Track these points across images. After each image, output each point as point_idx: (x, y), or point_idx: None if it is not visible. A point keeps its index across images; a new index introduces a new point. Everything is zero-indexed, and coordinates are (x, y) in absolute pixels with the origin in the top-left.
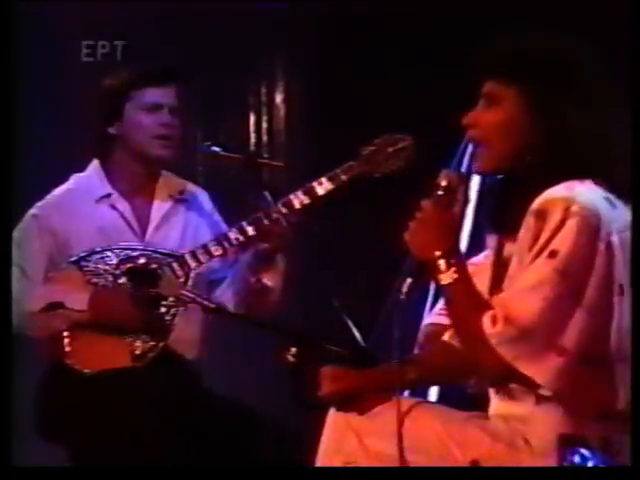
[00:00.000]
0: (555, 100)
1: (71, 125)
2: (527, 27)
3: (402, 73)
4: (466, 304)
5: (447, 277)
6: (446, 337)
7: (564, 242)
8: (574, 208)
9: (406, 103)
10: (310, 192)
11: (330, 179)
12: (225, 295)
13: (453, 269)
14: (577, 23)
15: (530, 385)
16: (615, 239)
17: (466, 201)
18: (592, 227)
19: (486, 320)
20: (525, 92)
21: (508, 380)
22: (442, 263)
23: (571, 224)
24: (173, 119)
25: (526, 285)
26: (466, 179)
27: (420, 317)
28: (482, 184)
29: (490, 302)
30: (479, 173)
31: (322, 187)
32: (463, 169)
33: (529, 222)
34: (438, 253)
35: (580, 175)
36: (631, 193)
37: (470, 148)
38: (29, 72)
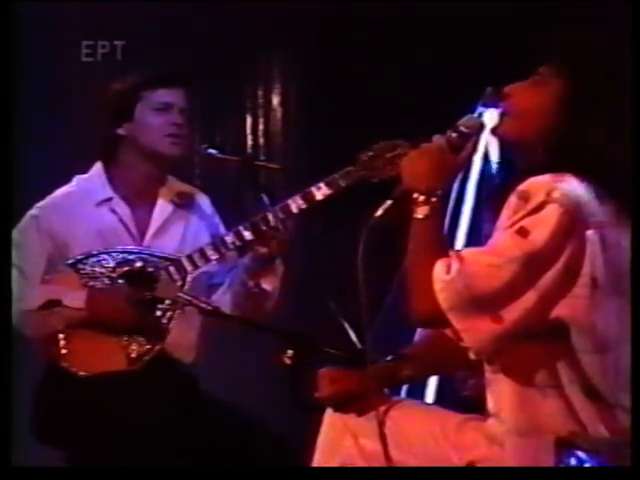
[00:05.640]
0: (593, 108)
1: (71, 125)
2: (527, 30)
3: (400, 76)
4: (426, 244)
5: (420, 212)
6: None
7: (538, 225)
8: (555, 194)
9: (404, 105)
10: (308, 197)
11: (328, 184)
12: (222, 299)
13: (429, 207)
14: (576, 23)
15: (455, 340)
16: (592, 233)
17: (474, 152)
18: (569, 215)
19: (440, 265)
20: (570, 88)
21: (434, 326)
22: (422, 197)
23: (550, 208)
24: (182, 119)
25: (489, 250)
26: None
27: None
28: (481, 174)
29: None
30: (498, 136)
31: (320, 192)
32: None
33: (511, 201)
34: (423, 187)
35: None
36: (631, 194)
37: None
38: (29, 72)
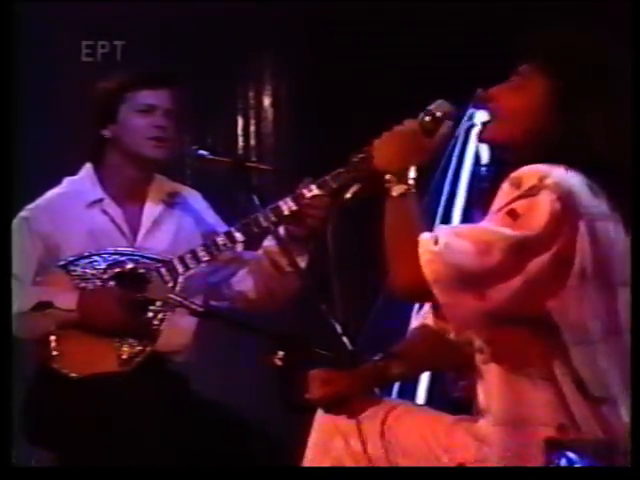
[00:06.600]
0: (580, 106)
1: (71, 125)
2: (524, 30)
3: (392, 77)
4: (404, 220)
5: (396, 190)
6: (427, 322)
7: (529, 209)
8: (548, 180)
9: (396, 106)
10: (299, 199)
11: (319, 186)
12: (245, 283)
13: (405, 186)
14: (576, 22)
15: (436, 316)
16: (583, 224)
17: (449, 138)
18: (561, 203)
19: (427, 237)
20: (555, 88)
21: (415, 300)
22: (394, 179)
23: (542, 194)
24: (167, 121)
25: (480, 228)
26: (456, 117)
27: (407, 320)
28: (473, 172)
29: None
30: (484, 141)
31: (311, 194)
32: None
33: (504, 188)
34: (394, 169)
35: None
36: (631, 194)
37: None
38: (29, 72)
